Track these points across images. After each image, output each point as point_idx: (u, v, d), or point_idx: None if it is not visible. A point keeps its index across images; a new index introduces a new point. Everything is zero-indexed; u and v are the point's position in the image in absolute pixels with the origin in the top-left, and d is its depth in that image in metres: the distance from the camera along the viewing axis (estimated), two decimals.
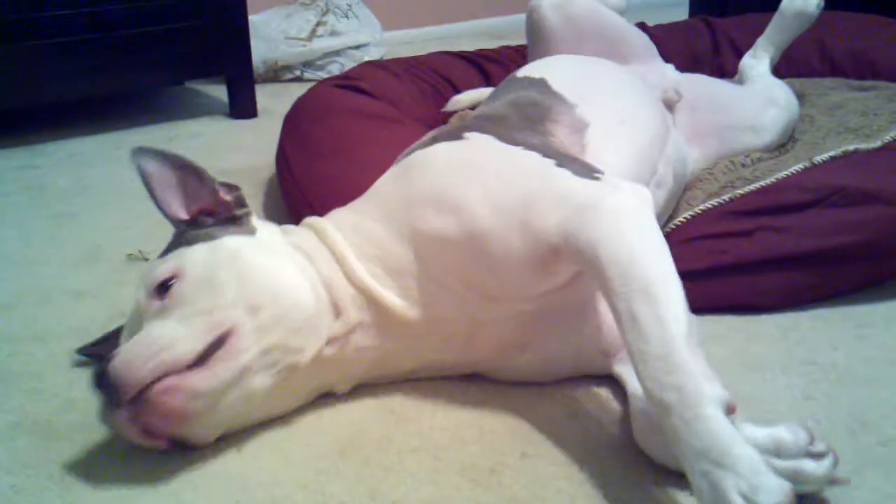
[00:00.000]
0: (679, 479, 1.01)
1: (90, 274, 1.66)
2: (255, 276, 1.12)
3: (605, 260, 1.01)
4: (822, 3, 1.93)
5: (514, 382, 1.24)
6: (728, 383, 1.13)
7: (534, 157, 1.19)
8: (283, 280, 1.13)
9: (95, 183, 2.18)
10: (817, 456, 0.96)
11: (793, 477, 0.94)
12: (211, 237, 1.17)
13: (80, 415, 1.21)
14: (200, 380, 1.04)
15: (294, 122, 1.87)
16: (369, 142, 1.71)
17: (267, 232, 1.22)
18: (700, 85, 1.84)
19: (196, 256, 1.14)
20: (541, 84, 1.51)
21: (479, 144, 1.23)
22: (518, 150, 1.20)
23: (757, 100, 1.81)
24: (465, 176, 1.16)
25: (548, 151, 1.21)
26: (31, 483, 1.08)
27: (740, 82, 1.94)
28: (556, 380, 1.25)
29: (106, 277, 1.65)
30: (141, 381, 1.02)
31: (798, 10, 1.93)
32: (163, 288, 1.11)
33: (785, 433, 0.97)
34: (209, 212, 1.22)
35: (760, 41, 1.98)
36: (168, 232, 1.77)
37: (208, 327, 1.07)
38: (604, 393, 1.22)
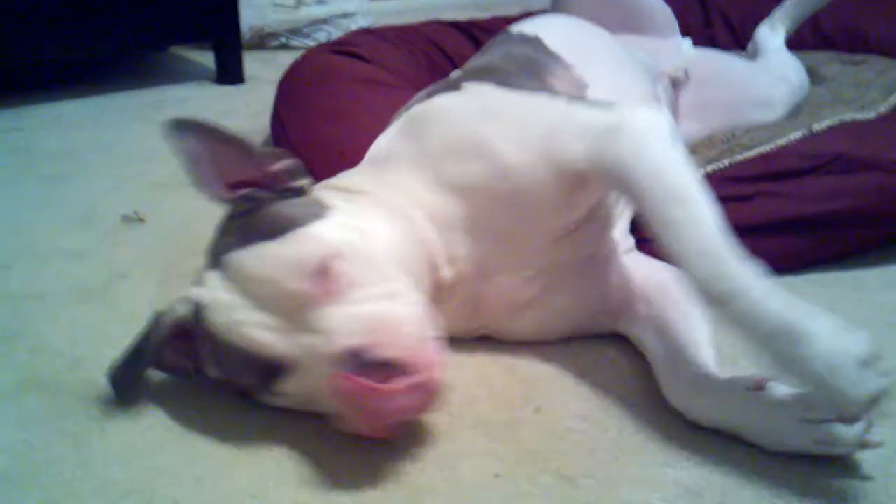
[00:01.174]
0: (693, 429, 1.04)
1: (86, 235, 1.65)
2: (391, 249, 1.08)
3: (636, 174, 1.05)
4: None
5: (520, 343, 1.25)
6: (728, 345, 1.17)
7: (543, 96, 1.20)
8: (405, 248, 1.10)
9: (83, 146, 2.16)
10: (849, 419, 0.97)
11: (825, 439, 0.97)
12: (315, 216, 1.08)
13: (86, 372, 1.20)
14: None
15: (290, 87, 1.86)
16: (368, 106, 1.70)
17: (340, 201, 1.13)
18: (711, 61, 1.85)
19: (336, 236, 1.05)
20: (536, 42, 1.51)
21: (484, 90, 1.23)
22: (525, 93, 1.21)
23: (769, 77, 1.82)
24: (481, 121, 1.16)
25: (553, 93, 1.23)
26: (44, 438, 1.08)
27: (754, 53, 1.95)
28: (559, 339, 1.26)
29: (102, 238, 1.63)
30: (428, 358, 0.97)
31: None
32: (319, 274, 1.01)
33: (816, 395, 0.97)
34: (256, 184, 1.12)
35: (778, 13, 2.00)
36: (157, 195, 1.78)
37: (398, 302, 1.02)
38: (612, 352, 1.24)
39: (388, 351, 0.94)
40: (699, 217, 1.01)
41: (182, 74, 2.82)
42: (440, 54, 2.22)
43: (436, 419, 1.09)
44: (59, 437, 1.08)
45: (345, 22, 3.11)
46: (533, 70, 1.39)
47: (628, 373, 1.19)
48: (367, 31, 2.27)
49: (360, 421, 0.97)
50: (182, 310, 1.08)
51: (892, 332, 1.28)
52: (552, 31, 1.57)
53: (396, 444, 1.04)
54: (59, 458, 1.04)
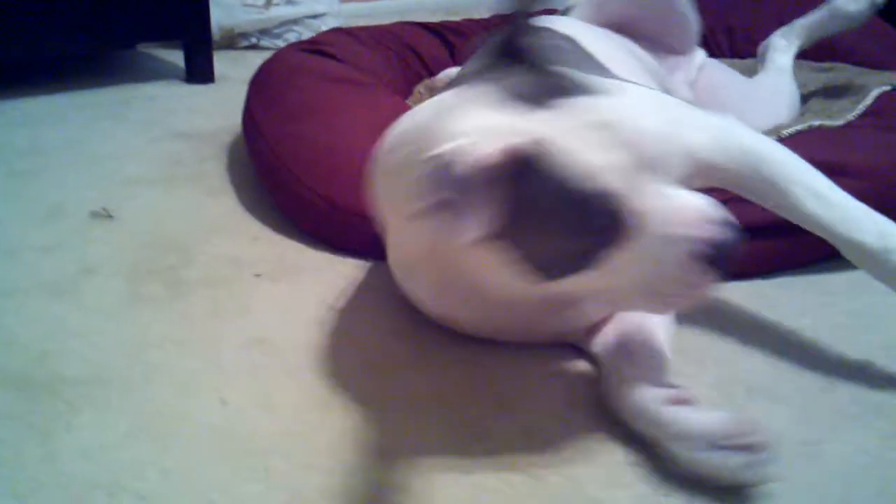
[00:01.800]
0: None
1: (55, 230, 1.63)
2: None
3: (775, 158, 1.22)
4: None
5: (492, 345, 1.25)
6: (698, 348, 1.18)
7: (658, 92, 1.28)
8: None
9: (52, 143, 2.14)
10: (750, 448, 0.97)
11: (734, 468, 0.96)
12: None
13: (53, 366, 1.19)
14: None
15: (262, 85, 1.86)
16: (340, 104, 1.70)
17: None
18: (712, 74, 1.87)
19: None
20: (572, 41, 1.50)
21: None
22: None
23: (762, 103, 1.83)
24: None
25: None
26: (12, 434, 1.07)
27: (762, 59, 1.96)
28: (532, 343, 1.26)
29: (71, 234, 1.62)
30: None
31: (850, 14, 1.93)
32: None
33: (730, 424, 0.98)
34: None
35: (797, 28, 1.98)
36: (127, 191, 1.77)
37: None
38: (582, 357, 1.24)
39: (732, 249, 0.97)
40: (832, 187, 1.21)
41: (151, 73, 2.80)
42: (412, 54, 2.23)
43: (404, 417, 1.10)
44: (25, 431, 1.07)
45: (315, 23, 3.10)
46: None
47: (596, 373, 1.20)
48: (339, 31, 2.27)
49: (678, 302, 1.03)
50: (518, 141, 0.95)
51: (864, 336, 1.30)
52: (582, 32, 1.57)
53: (367, 440, 1.05)
54: (24, 453, 1.03)
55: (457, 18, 2.58)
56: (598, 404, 1.12)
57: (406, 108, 1.80)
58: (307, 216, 1.59)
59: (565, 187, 0.94)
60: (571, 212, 0.95)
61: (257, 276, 1.46)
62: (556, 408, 1.13)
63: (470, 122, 0.97)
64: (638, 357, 1.13)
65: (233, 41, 3.06)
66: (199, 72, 2.68)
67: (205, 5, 2.62)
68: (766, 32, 2.04)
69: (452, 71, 2.10)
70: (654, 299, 1.01)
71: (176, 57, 2.83)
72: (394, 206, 1.18)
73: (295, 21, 3.11)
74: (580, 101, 0.98)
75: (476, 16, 2.61)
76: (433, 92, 2.03)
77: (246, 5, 3.06)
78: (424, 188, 0.91)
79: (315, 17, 3.15)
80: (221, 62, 2.83)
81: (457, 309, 1.22)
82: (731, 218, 0.98)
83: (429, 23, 2.40)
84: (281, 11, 3.10)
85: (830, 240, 1.20)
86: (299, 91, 1.75)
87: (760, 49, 2.04)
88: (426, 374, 1.20)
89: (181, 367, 1.21)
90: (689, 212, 0.97)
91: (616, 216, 0.95)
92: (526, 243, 0.98)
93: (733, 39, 2.36)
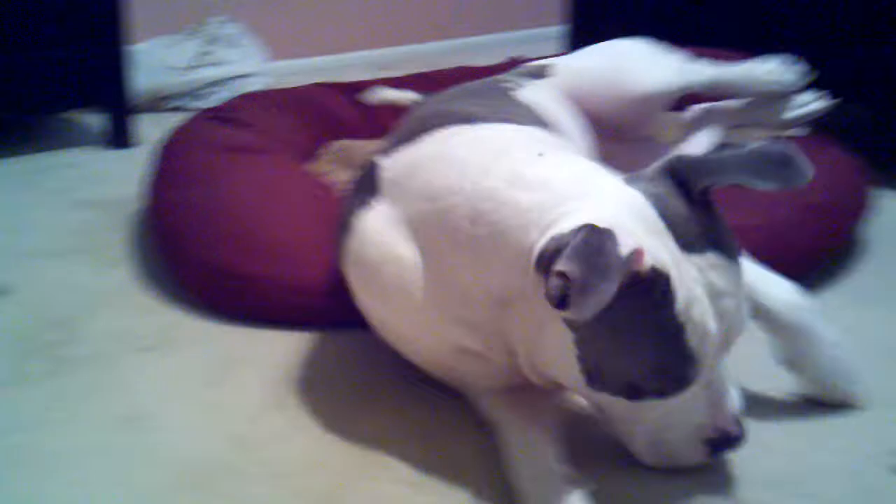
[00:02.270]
0: None
1: None
2: None
3: None
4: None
5: (364, 410, 1.27)
6: None
7: None
8: None
9: None
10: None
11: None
12: None
13: None
14: None
15: (160, 154, 1.87)
16: (231, 172, 1.72)
17: None
18: None
19: None
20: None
21: None
22: None
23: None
24: None
25: None
26: None
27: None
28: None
29: None
30: None
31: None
32: None
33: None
34: None
35: (719, 112, 1.93)
36: (29, 264, 1.76)
37: None
38: (445, 414, 1.26)
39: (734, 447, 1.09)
40: None
41: (74, 138, 2.80)
42: (323, 117, 2.24)
43: (269, 490, 1.10)
44: None
45: (241, 83, 3.12)
46: None
47: (463, 437, 1.21)
48: (249, 96, 2.29)
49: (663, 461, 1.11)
50: (653, 260, 0.98)
51: None
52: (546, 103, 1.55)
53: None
54: None
55: (389, 73, 2.61)
56: (458, 467, 1.13)
57: (304, 174, 1.83)
58: (196, 283, 1.61)
59: (666, 327, 0.99)
60: (654, 349, 1.00)
61: (142, 350, 1.47)
62: (414, 472, 1.14)
63: (617, 205, 1.01)
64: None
65: (158, 104, 3.07)
66: (120, 137, 2.68)
67: (123, 73, 2.63)
68: None
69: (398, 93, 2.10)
70: (650, 446, 1.09)
71: (100, 121, 2.84)
72: (451, 239, 1.14)
73: (221, 82, 3.13)
74: (722, 262, 1.03)
75: (412, 70, 2.63)
76: (345, 154, 2.05)
77: (170, 68, 3.08)
78: (566, 255, 0.92)
79: (242, 77, 3.16)
80: (146, 125, 2.83)
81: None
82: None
83: (341, 83, 2.42)
84: (207, 73, 3.12)
85: None
86: (191, 160, 1.78)
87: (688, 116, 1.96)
88: (298, 446, 1.21)
89: (46, 450, 1.20)
90: (728, 402, 1.07)
91: (685, 378, 1.02)
92: (593, 347, 1.02)
93: None
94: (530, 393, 1.19)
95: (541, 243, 0.99)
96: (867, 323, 1.52)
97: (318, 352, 1.45)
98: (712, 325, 1.01)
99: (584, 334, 1.00)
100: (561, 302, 0.91)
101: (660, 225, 1.00)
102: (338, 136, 2.21)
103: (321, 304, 1.52)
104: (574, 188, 1.05)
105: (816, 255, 1.66)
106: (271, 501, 1.10)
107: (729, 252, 1.03)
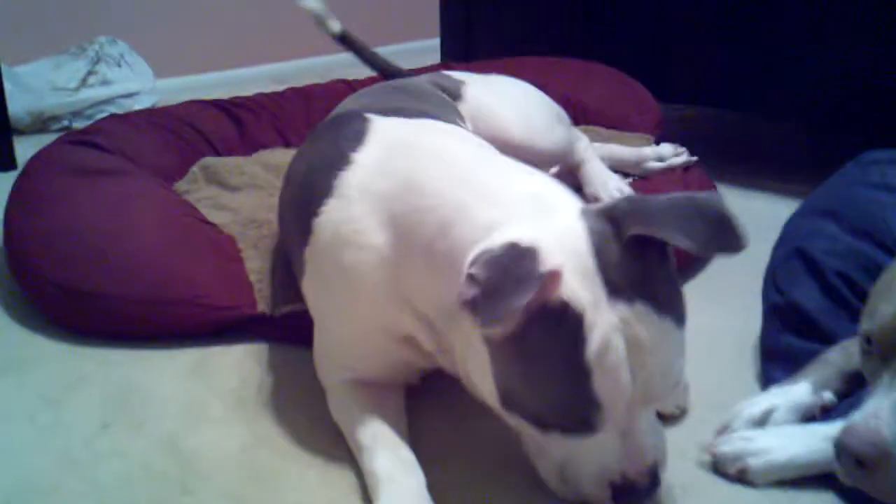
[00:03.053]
0: None
1: None
2: None
3: None
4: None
5: (193, 426, 1.32)
6: None
7: None
8: None
9: None
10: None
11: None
12: None
13: None
14: None
15: (19, 179, 1.88)
16: (88, 194, 1.74)
17: None
18: None
19: None
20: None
21: None
22: None
23: None
24: None
25: None
26: None
27: None
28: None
29: None
30: None
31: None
32: None
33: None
34: None
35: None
36: None
37: None
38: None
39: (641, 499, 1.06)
40: None
41: None
42: (195, 134, 2.26)
43: None
44: None
45: (128, 102, 3.12)
46: None
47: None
48: (113, 118, 2.30)
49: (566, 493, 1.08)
50: (569, 294, 0.98)
51: None
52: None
53: None
54: None
55: (285, 87, 2.64)
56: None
57: (163, 193, 1.85)
58: (47, 303, 1.63)
59: (575, 368, 0.98)
60: (560, 387, 0.99)
61: None
62: (238, 485, 1.17)
63: (555, 231, 1.02)
64: None
65: (44, 125, 3.06)
66: (2, 159, 2.68)
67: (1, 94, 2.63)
68: None
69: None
70: (556, 475, 1.08)
71: None
72: (409, 245, 1.17)
73: (108, 101, 3.13)
74: (651, 317, 1.00)
75: (306, 82, 2.65)
76: (211, 171, 2.07)
77: (57, 88, 3.08)
78: (481, 260, 0.96)
79: (129, 95, 3.17)
80: (30, 147, 2.81)
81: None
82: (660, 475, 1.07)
83: (216, 100, 2.45)
84: (92, 93, 3.12)
85: None
86: (48, 183, 1.79)
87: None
88: (134, 463, 1.23)
89: None
90: (644, 452, 1.04)
91: (589, 422, 1.01)
92: (506, 369, 1.03)
93: None
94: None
95: (472, 254, 1.01)
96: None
97: (162, 368, 1.49)
98: (625, 378, 0.99)
99: (498, 354, 1.02)
100: (468, 305, 0.94)
101: (590, 263, 1.00)
102: (212, 153, 2.24)
103: (172, 317, 1.56)
104: (529, 208, 1.06)
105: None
106: None
107: (663, 308, 1.01)
